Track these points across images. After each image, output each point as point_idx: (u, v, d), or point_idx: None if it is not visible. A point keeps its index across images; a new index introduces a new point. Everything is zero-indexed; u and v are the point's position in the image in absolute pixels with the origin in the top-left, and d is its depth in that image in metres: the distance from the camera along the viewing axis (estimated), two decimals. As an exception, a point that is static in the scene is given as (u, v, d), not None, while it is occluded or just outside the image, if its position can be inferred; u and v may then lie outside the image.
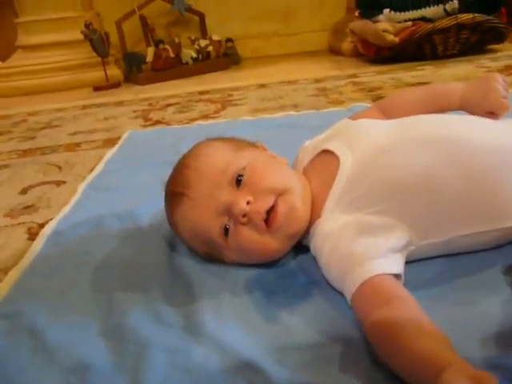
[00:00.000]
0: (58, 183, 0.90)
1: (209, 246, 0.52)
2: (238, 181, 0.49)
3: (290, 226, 0.49)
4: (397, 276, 0.44)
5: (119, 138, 1.15)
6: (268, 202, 0.48)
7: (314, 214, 0.50)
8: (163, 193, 0.55)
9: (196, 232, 0.51)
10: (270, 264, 0.52)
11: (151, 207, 0.67)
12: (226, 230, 0.49)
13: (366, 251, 0.44)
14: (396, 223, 0.46)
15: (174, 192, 0.52)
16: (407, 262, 0.49)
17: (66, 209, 0.75)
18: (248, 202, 0.47)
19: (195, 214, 0.50)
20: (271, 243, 0.49)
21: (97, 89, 1.96)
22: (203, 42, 2.11)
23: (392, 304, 0.40)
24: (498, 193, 0.46)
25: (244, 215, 0.47)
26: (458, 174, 0.46)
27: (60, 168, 0.99)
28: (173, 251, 0.58)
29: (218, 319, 0.45)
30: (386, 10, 1.69)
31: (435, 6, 1.65)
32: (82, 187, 0.83)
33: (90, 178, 0.88)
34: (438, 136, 0.49)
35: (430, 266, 0.49)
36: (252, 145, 0.57)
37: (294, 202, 0.49)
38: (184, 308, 0.47)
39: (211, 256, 0.53)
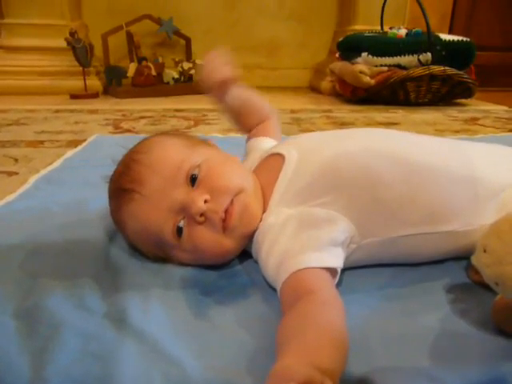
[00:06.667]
0: (10, 174, 0.86)
1: (158, 246, 0.49)
2: (193, 179, 0.48)
3: (244, 225, 0.48)
4: (333, 271, 0.43)
5: (85, 140, 1.13)
6: (225, 201, 0.46)
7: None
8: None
9: (146, 231, 0.48)
10: (216, 266, 0.50)
11: (100, 202, 0.64)
12: (180, 230, 0.47)
13: (306, 244, 0.43)
14: (340, 216, 0.45)
15: (123, 188, 0.48)
16: (353, 269, 0.48)
17: (12, 196, 0.72)
18: (205, 201, 0.46)
19: (146, 212, 0.47)
20: (227, 243, 0.47)
21: (74, 97, 1.94)
22: (187, 65, 2.14)
23: (302, 299, 0.38)
24: (435, 196, 0.47)
25: (201, 214, 0.46)
26: (399, 171, 0.47)
27: (17, 160, 0.96)
28: (111, 244, 0.55)
29: (143, 310, 0.42)
30: (365, 54, 1.76)
31: (410, 56, 1.74)
32: (33, 178, 0.80)
33: (44, 171, 0.85)
34: (381, 137, 0.52)
35: (376, 275, 0.49)
36: (204, 142, 0.56)
37: (247, 200, 0.48)
38: (110, 297, 0.44)
39: (158, 258, 0.51)
